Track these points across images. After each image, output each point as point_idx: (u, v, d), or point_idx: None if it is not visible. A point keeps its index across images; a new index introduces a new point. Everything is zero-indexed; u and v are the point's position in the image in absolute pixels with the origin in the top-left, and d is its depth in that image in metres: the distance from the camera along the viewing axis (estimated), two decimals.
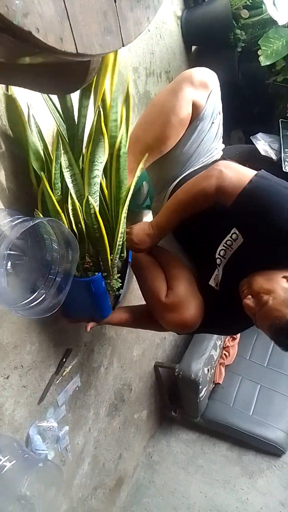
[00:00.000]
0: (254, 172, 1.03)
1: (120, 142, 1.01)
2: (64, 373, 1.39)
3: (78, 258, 1.04)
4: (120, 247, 1.11)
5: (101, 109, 0.93)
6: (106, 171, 1.06)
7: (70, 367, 1.41)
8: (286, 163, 1.98)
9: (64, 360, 1.36)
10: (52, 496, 1.19)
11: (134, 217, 1.67)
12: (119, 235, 1.07)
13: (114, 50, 0.65)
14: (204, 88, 1.14)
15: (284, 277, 1.00)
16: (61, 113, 0.96)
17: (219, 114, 1.23)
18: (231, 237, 1.09)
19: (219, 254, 1.13)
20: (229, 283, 1.13)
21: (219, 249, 1.13)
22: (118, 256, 1.12)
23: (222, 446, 2.34)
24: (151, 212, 1.47)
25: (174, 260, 1.27)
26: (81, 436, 1.62)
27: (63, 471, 1.53)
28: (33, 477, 1.16)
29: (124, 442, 2.05)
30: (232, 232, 1.08)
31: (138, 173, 1.10)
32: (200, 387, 2.11)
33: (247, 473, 2.20)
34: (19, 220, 0.93)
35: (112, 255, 1.09)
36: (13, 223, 0.92)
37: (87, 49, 0.58)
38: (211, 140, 1.24)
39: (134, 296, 1.80)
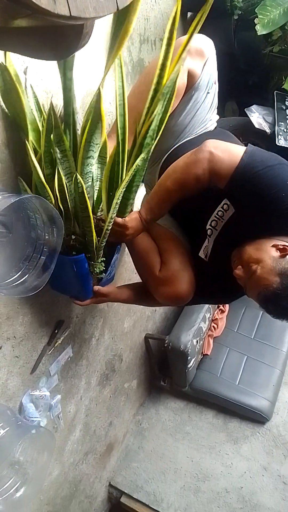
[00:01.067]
0: (243, 148, 1.02)
1: (147, 132, 0.98)
2: (56, 344, 1.41)
3: (63, 236, 1.03)
4: (108, 231, 1.09)
5: (101, 90, 0.90)
6: (118, 148, 1.03)
7: (62, 338, 1.43)
8: (279, 136, 1.97)
9: (56, 331, 1.38)
10: (44, 461, 1.23)
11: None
12: (109, 220, 1.06)
13: (108, 14, 0.63)
14: (200, 56, 1.11)
15: (273, 245, 1.01)
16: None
17: (215, 83, 1.20)
18: (222, 207, 1.09)
19: (210, 225, 1.14)
20: (220, 253, 1.14)
21: (210, 220, 1.13)
22: (105, 240, 1.10)
23: (209, 414, 2.42)
24: (143, 184, 1.45)
25: (166, 234, 1.27)
26: (72, 405, 1.66)
27: (55, 438, 1.57)
28: (26, 443, 1.19)
29: (114, 410, 2.11)
30: (223, 203, 1.09)
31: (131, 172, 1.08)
32: (189, 358, 2.16)
33: (232, 439, 2.29)
34: (2, 196, 0.91)
35: (98, 238, 1.08)
36: None
37: (81, 12, 0.56)
38: (206, 111, 1.21)
39: (126, 269, 1.81)
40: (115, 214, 1.08)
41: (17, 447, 1.18)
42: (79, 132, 1.07)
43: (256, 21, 1.69)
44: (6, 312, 1.13)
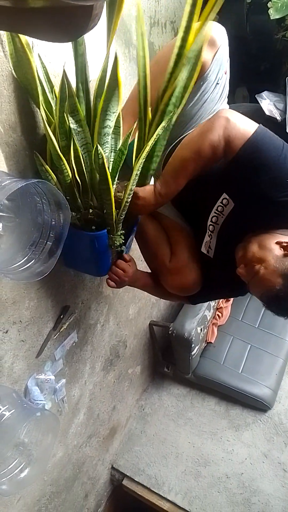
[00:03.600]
0: (256, 124, 0.99)
1: (169, 98, 0.94)
2: (61, 329, 1.42)
3: (69, 221, 1.02)
4: (127, 204, 1.07)
5: (117, 55, 0.88)
6: (141, 123, 1.00)
7: (67, 323, 1.44)
8: None
9: (61, 316, 1.39)
10: (48, 443, 1.25)
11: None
12: (128, 191, 1.04)
13: None
14: (210, 45, 1.06)
15: (277, 243, 0.99)
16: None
17: (226, 73, 1.16)
18: (221, 202, 1.08)
19: (211, 221, 1.13)
20: (224, 249, 1.14)
21: (210, 215, 1.12)
22: (124, 212, 1.08)
23: (211, 400, 2.44)
24: None
25: (175, 225, 1.27)
26: (77, 389, 1.68)
27: (60, 420, 1.60)
28: (31, 425, 1.21)
29: (118, 395, 2.13)
30: (222, 197, 1.07)
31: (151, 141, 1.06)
32: (193, 345, 2.17)
33: (233, 426, 2.32)
34: (8, 181, 0.90)
35: (118, 210, 1.06)
36: (2, 184, 0.90)
37: None
38: (215, 102, 1.18)
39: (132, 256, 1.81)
40: (134, 186, 1.05)
41: (22, 429, 1.20)
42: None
43: (269, 5, 1.64)
44: (13, 297, 1.13)
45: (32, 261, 1.05)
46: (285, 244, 0.98)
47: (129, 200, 1.07)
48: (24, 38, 0.88)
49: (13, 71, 0.93)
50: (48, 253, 1.07)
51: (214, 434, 2.29)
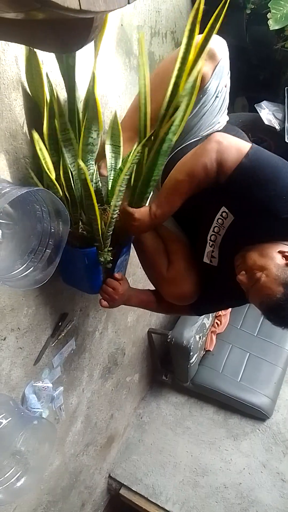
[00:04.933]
0: (249, 144, 1.00)
1: (169, 128, 0.96)
2: (59, 336, 1.41)
3: (68, 229, 1.03)
4: (114, 220, 1.08)
5: (94, 75, 0.89)
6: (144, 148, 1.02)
7: (65, 330, 1.44)
8: None
9: (60, 324, 1.39)
10: (45, 452, 1.25)
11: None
12: (113, 208, 1.05)
13: (119, 7, 0.62)
14: (211, 59, 1.07)
15: (279, 252, 0.99)
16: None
17: (225, 87, 1.17)
18: (221, 215, 1.09)
19: (213, 231, 1.14)
20: (226, 258, 1.14)
21: (212, 226, 1.13)
22: (111, 229, 1.09)
23: (209, 409, 2.43)
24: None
25: (173, 236, 1.28)
26: (75, 397, 1.67)
27: (57, 429, 1.59)
28: (28, 433, 1.20)
29: (116, 403, 2.12)
30: (221, 211, 1.08)
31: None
32: (191, 353, 2.17)
33: (232, 435, 2.30)
34: (8, 189, 0.91)
35: (104, 227, 1.07)
36: (2, 191, 0.90)
37: (91, 6, 0.55)
38: (214, 114, 1.19)
39: (130, 264, 1.81)
40: (119, 202, 1.06)
41: (19, 437, 1.19)
42: None
43: (268, 15, 1.66)
44: (11, 304, 1.13)
45: (31, 269, 1.05)
46: (287, 254, 0.98)
47: (115, 215, 1.07)
48: (37, 56, 0.92)
49: (27, 87, 0.97)
50: (47, 260, 1.07)
51: (212, 444, 2.28)
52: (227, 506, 2.04)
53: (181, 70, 0.95)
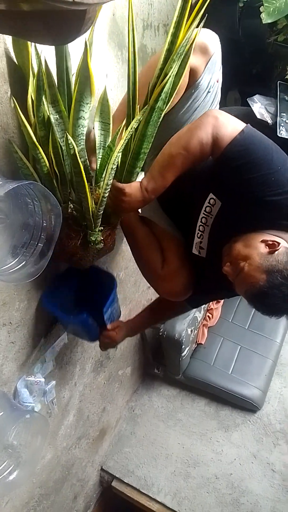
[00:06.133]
0: (244, 124, 1.00)
1: (159, 95, 0.94)
2: (52, 330, 1.41)
3: (61, 223, 1.02)
4: (105, 199, 1.05)
5: (88, 45, 0.87)
6: (129, 120, 1.00)
7: (58, 324, 1.44)
8: (281, 127, 1.95)
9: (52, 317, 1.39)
10: (37, 446, 1.25)
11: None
12: (104, 186, 1.03)
13: (111, 0, 0.61)
14: (203, 53, 1.06)
15: (262, 241, 0.99)
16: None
17: (217, 82, 1.16)
18: (209, 202, 1.09)
19: (201, 222, 1.14)
20: (215, 249, 1.15)
21: (200, 216, 1.13)
22: (102, 208, 1.07)
23: (201, 401, 2.45)
24: (143, 173, 1.44)
25: (167, 233, 1.29)
26: (67, 390, 1.68)
27: (49, 422, 1.59)
28: (20, 427, 1.21)
29: (108, 396, 2.13)
30: (209, 198, 1.08)
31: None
32: (183, 346, 2.18)
33: (223, 427, 2.33)
34: (2, 182, 0.90)
35: (94, 206, 1.05)
36: None
37: None
38: (206, 109, 1.17)
39: (123, 258, 1.81)
40: (111, 180, 1.04)
41: (11, 431, 1.20)
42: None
43: (261, 9, 1.65)
44: (2, 298, 1.13)
45: (23, 263, 1.04)
46: (270, 242, 0.98)
47: (106, 194, 1.05)
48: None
49: (14, 58, 0.93)
50: (39, 254, 1.06)
51: (204, 435, 2.30)
52: (218, 497, 2.07)
53: (175, 36, 0.93)
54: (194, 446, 2.27)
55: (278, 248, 0.96)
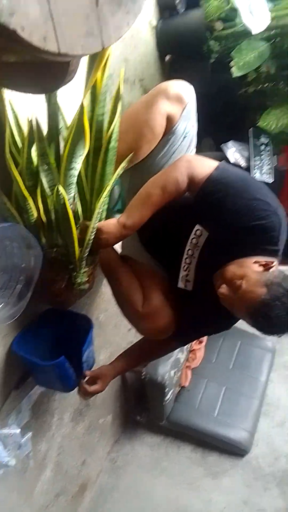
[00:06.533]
0: (217, 162, 1.08)
1: (110, 136, 1.01)
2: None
3: (40, 264, 1.03)
4: (90, 241, 1.10)
5: (84, 103, 0.93)
6: (89, 163, 1.07)
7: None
8: (254, 170, 2.05)
9: None
10: (13, 504, 1.16)
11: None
12: (91, 229, 1.07)
13: (94, 52, 0.65)
14: (179, 102, 1.14)
15: (255, 262, 1.03)
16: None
17: (193, 127, 1.24)
18: (195, 234, 1.12)
19: (187, 254, 1.16)
20: (202, 280, 1.16)
21: (186, 249, 1.15)
22: (87, 250, 1.11)
23: (186, 448, 2.36)
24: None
25: (147, 270, 1.29)
26: (44, 442, 1.59)
27: (25, 478, 1.49)
28: None
29: (88, 448, 2.02)
30: (195, 229, 1.12)
31: (112, 180, 1.10)
32: (167, 390, 2.12)
33: (210, 473, 2.23)
34: None
35: (81, 248, 1.09)
36: None
37: (69, 50, 0.57)
38: (183, 153, 1.24)
39: (103, 300, 1.79)
40: (96, 224, 1.10)
41: None
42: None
43: (231, 63, 1.78)
44: None
45: (1, 305, 1.02)
46: (264, 263, 1.02)
47: (92, 238, 1.10)
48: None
49: None
50: (18, 296, 1.04)
51: (191, 484, 2.19)
52: None
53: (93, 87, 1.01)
54: (182, 497, 2.15)
55: (272, 265, 1.01)
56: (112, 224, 1.11)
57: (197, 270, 1.17)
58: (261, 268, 1.02)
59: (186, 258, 1.17)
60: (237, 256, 1.05)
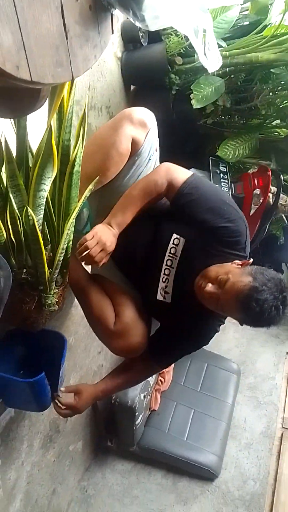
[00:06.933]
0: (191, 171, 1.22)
1: (74, 160, 1.06)
2: None
3: (10, 285, 1.03)
4: (60, 263, 1.12)
5: (52, 127, 0.97)
6: (56, 186, 1.10)
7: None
8: None
9: None
10: None
11: (74, 241, 1.68)
12: (61, 250, 1.09)
13: (64, 81, 0.71)
14: (142, 127, 1.23)
15: (233, 262, 1.13)
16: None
17: (156, 151, 1.33)
18: (173, 243, 1.20)
19: (166, 265, 1.22)
20: (182, 290, 1.21)
21: (165, 259, 1.21)
22: (57, 271, 1.14)
23: (157, 474, 2.33)
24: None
25: (118, 288, 1.33)
26: (13, 471, 1.54)
27: None
28: None
29: (58, 476, 1.96)
30: (173, 238, 1.20)
31: (80, 202, 1.14)
32: (137, 414, 2.11)
33: (181, 500, 2.21)
34: None
35: (50, 270, 1.11)
36: None
37: (40, 78, 0.63)
38: None
39: (72, 322, 1.79)
40: (66, 245, 1.13)
41: None
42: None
43: (191, 96, 1.90)
44: None
45: None
46: (241, 262, 1.13)
47: (62, 258, 1.13)
48: None
49: None
50: None
51: (162, 511, 2.16)
52: None
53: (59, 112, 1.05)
54: None
55: (249, 262, 1.13)
56: (101, 228, 1.17)
57: (176, 280, 1.22)
58: (239, 266, 1.12)
59: (166, 269, 1.22)
60: (214, 260, 1.15)
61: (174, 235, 1.20)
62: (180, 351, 1.33)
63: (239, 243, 1.17)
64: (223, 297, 1.07)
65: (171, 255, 1.20)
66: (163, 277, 1.23)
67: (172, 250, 1.20)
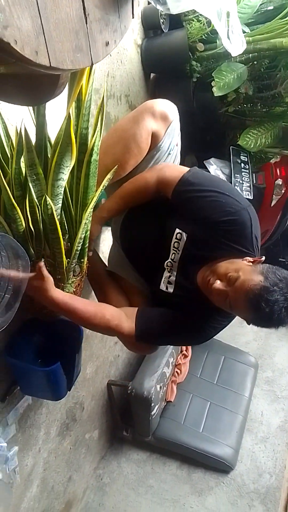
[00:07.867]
0: (188, 168, 1.18)
1: (92, 149, 1.05)
2: (14, 390, 1.35)
3: (29, 274, 1.04)
4: (78, 252, 1.12)
5: (71, 115, 0.96)
6: (73, 176, 1.10)
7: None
8: (235, 186, 2.11)
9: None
10: None
11: None
12: (78, 240, 1.09)
13: (83, 67, 0.69)
14: (163, 120, 1.21)
15: (244, 259, 1.09)
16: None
17: (177, 145, 1.30)
18: (176, 237, 1.18)
19: (170, 258, 1.21)
20: (185, 279, 1.20)
21: (170, 253, 1.21)
22: (75, 261, 1.14)
23: (172, 464, 2.34)
24: (109, 228, 1.50)
25: (133, 287, 1.35)
26: (30, 457, 1.56)
27: (12, 494, 1.46)
28: None
29: (74, 464, 1.99)
30: (175, 233, 1.18)
31: (98, 191, 1.14)
32: (152, 404, 2.11)
33: (196, 491, 2.21)
34: None
35: (68, 259, 1.11)
36: None
37: (59, 64, 0.61)
38: None
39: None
40: (83, 235, 1.13)
41: None
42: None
43: (212, 83, 1.85)
44: None
45: None
46: (252, 260, 1.08)
47: (80, 248, 1.13)
48: None
49: None
50: (6, 306, 1.04)
51: (177, 501, 2.17)
52: None
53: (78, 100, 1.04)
54: None
55: (261, 260, 1.08)
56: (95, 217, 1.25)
57: (178, 274, 1.21)
58: (250, 264, 1.07)
59: (169, 262, 1.22)
60: (217, 254, 1.12)
61: (177, 230, 1.17)
62: (166, 338, 1.26)
63: (244, 236, 1.11)
64: (232, 295, 1.04)
65: (174, 249, 1.19)
66: (168, 269, 1.23)
67: (176, 245, 1.18)
